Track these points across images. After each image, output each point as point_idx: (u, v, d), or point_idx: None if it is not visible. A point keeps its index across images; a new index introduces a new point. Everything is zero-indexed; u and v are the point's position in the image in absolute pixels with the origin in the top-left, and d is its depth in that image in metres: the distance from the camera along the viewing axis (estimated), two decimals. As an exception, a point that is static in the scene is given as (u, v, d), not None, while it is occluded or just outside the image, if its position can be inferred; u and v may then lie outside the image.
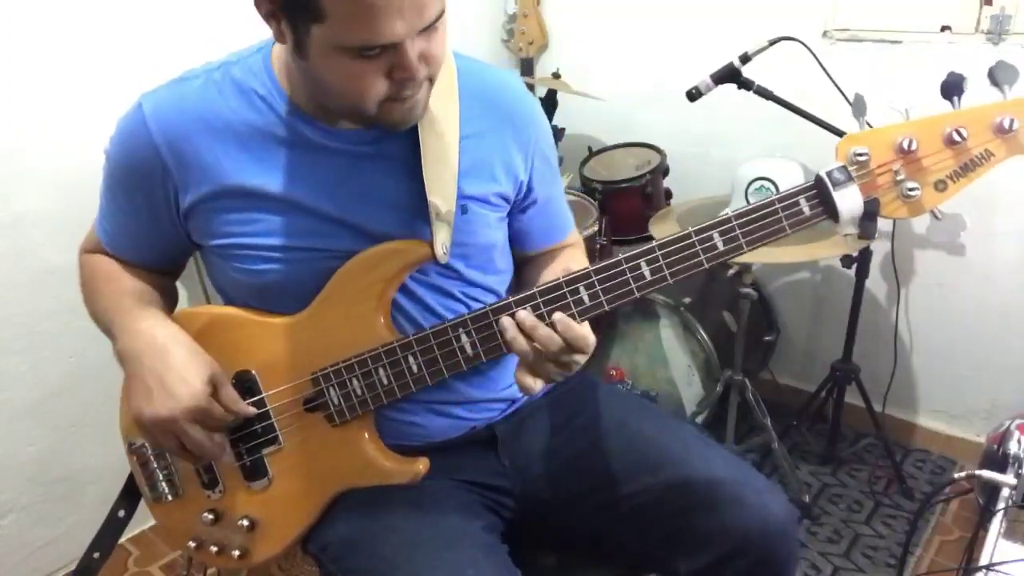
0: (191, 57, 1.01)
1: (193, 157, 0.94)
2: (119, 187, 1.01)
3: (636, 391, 2.13)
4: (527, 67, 2.51)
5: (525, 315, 0.89)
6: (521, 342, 0.88)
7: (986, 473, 1.18)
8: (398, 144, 0.97)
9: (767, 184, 1.87)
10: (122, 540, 1.92)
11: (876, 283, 2.19)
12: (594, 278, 0.89)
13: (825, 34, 2.07)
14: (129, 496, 1.12)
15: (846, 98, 1.77)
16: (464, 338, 0.94)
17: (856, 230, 0.87)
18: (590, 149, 2.36)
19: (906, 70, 1.98)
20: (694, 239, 0.87)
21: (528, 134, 1.07)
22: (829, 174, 0.84)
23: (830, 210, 0.85)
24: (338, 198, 0.96)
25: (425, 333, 0.95)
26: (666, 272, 0.88)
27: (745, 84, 1.79)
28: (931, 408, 2.25)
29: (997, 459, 1.34)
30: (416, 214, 0.98)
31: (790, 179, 1.86)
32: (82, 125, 1.65)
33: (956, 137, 0.82)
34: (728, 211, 0.86)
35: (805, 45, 1.78)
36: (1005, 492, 1.17)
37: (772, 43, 1.78)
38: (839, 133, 1.77)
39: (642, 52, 2.39)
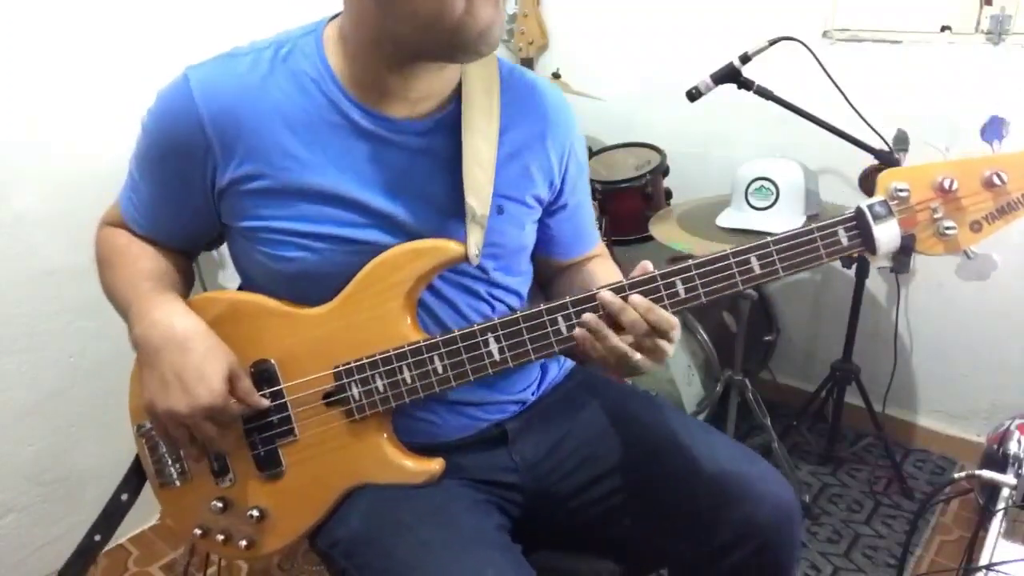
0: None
1: (237, 135, 0.92)
2: (154, 161, 0.98)
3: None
4: (527, 67, 2.51)
5: (609, 296, 0.88)
6: (604, 331, 0.88)
7: (986, 473, 1.18)
8: (443, 140, 0.98)
9: (767, 184, 1.87)
10: (122, 540, 1.94)
11: (876, 283, 2.19)
12: (629, 293, 0.89)
13: (825, 34, 2.07)
14: (133, 480, 1.11)
15: (846, 98, 1.77)
16: (492, 343, 0.93)
17: (890, 263, 0.90)
18: (590, 149, 2.36)
19: (906, 70, 1.98)
20: (731, 260, 0.88)
21: (565, 138, 1.08)
22: (871, 207, 0.86)
23: (868, 242, 0.86)
24: (379, 190, 0.95)
25: (453, 335, 0.94)
26: (700, 291, 0.89)
27: (745, 84, 1.79)
28: (931, 408, 2.25)
29: (997, 459, 1.34)
30: (453, 213, 0.97)
31: (790, 179, 1.86)
32: (82, 125, 1.65)
33: (996, 180, 0.85)
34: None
35: (805, 45, 1.78)
36: (1005, 492, 1.17)
37: (772, 43, 1.78)
38: (839, 133, 1.77)
39: (642, 52, 2.39)
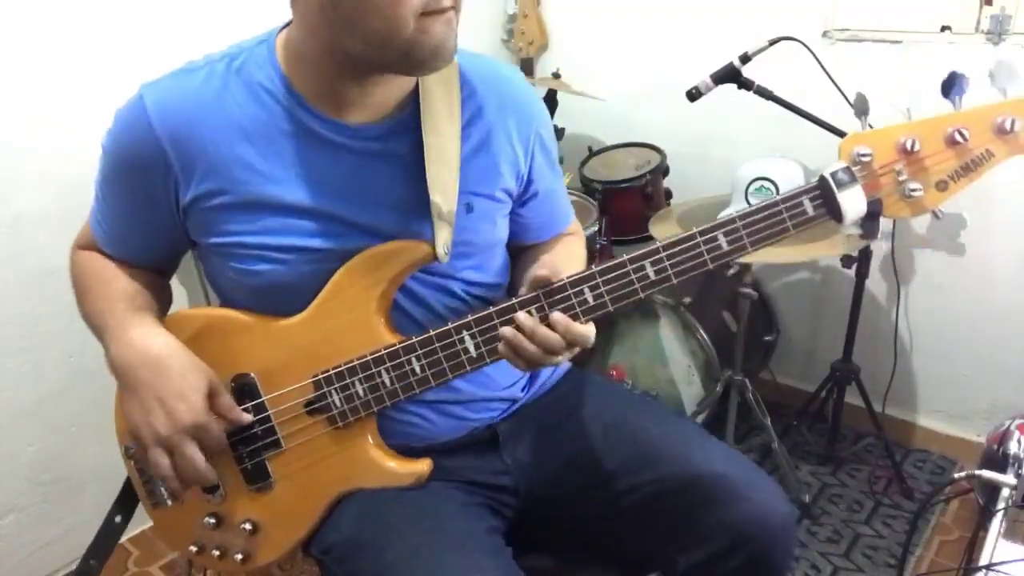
0: (190, 55, 1.01)
1: (196, 151, 0.92)
2: (117, 181, 0.98)
3: (636, 391, 2.13)
4: (527, 67, 2.51)
5: (524, 318, 0.90)
6: (525, 345, 0.89)
7: (986, 473, 1.18)
8: (403, 141, 0.97)
9: (767, 184, 1.87)
10: (122, 540, 1.93)
11: (876, 283, 2.19)
12: (599, 279, 0.89)
13: (825, 34, 2.07)
14: (126, 501, 1.11)
15: (846, 98, 1.77)
16: (468, 340, 0.93)
17: (859, 230, 0.87)
18: (590, 149, 2.36)
19: (906, 70, 1.98)
20: (699, 239, 0.87)
21: (528, 125, 1.06)
22: (833, 175, 0.84)
23: (833, 211, 0.85)
24: (342, 197, 0.95)
25: (428, 335, 0.94)
26: (670, 272, 0.88)
27: (745, 84, 1.79)
28: (931, 408, 2.25)
29: (997, 459, 1.34)
30: (420, 214, 0.97)
31: (790, 179, 1.86)
32: (82, 125, 1.64)
33: (958, 138, 0.83)
34: (732, 211, 0.86)
35: (805, 45, 1.78)
36: (1005, 492, 1.17)
37: (772, 43, 1.78)
38: (839, 133, 1.76)
39: (642, 52, 2.39)
